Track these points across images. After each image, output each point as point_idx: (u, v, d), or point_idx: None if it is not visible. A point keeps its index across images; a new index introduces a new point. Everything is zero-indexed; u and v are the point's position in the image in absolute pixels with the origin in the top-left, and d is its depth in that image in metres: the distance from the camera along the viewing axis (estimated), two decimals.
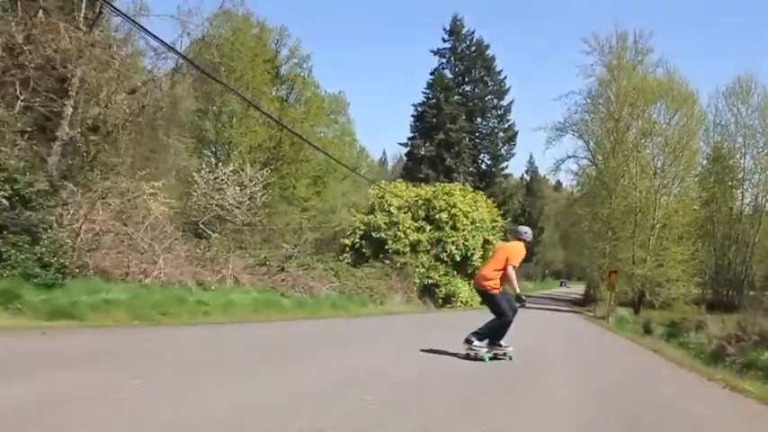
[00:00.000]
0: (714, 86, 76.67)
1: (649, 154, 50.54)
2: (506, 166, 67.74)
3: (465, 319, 21.44)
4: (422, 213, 38.89)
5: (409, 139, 60.95)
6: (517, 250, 11.82)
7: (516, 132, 67.91)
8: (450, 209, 38.56)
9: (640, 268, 48.90)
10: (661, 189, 49.60)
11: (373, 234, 37.72)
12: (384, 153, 78.34)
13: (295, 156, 63.25)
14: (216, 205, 46.30)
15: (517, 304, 12.02)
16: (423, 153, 59.40)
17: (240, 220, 47.10)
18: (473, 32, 66.51)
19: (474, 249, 39.01)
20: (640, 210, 49.99)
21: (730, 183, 63.69)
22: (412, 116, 61.58)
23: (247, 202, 48.02)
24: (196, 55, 61.30)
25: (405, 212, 38.72)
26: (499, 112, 68.05)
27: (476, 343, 11.66)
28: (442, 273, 37.51)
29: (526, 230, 12.44)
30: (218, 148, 53.48)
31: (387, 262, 36.42)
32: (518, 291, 11.92)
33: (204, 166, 47.50)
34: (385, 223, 37.85)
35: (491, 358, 11.77)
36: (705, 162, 60.33)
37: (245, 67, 60.27)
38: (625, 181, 51.47)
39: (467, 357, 11.73)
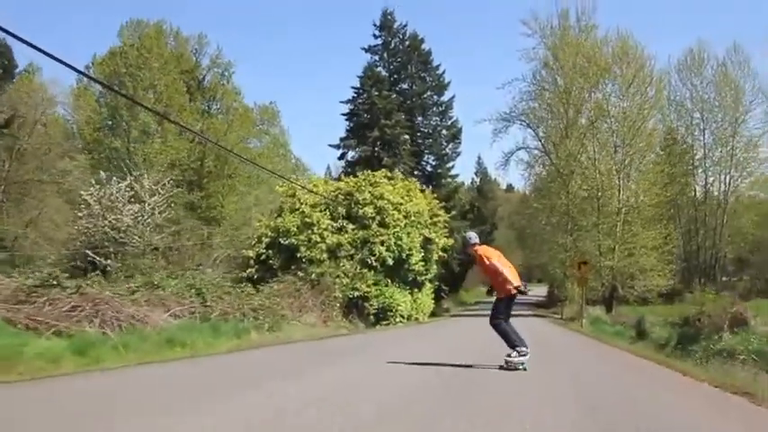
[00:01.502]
0: (665, 61, 66.67)
1: (607, 130, 40.96)
2: (453, 166, 58.04)
3: (396, 339, 17.86)
4: (342, 211, 28.91)
5: (341, 140, 50.92)
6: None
7: (460, 129, 58.42)
8: (375, 201, 28.64)
9: (609, 259, 39.47)
10: (624, 168, 40.03)
11: (282, 241, 27.70)
12: (328, 168, 68.73)
13: (220, 171, 53.27)
14: (108, 227, 36.50)
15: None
16: (357, 154, 49.41)
17: (138, 241, 37.15)
18: (405, 26, 57.14)
19: (411, 250, 29.12)
20: (602, 193, 40.49)
21: (691, 162, 54.59)
22: (342, 115, 51.71)
23: (147, 219, 38.09)
24: (97, 67, 51.90)
25: (321, 211, 28.75)
26: (440, 108, 58.44)
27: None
28: (370, 282, 27.41)
29: (471, 235, 11.40)
30: (131, 167, 43.07)
31: (300, 274, 26.43)
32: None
33: (93, 182, 37.86)
34: (296, 227, 27.89)
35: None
36: (663, 140, 50.79)
37: (154, 76, 50.29)
38: (583, 163, 41.90)
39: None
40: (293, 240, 27.52)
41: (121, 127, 48.76)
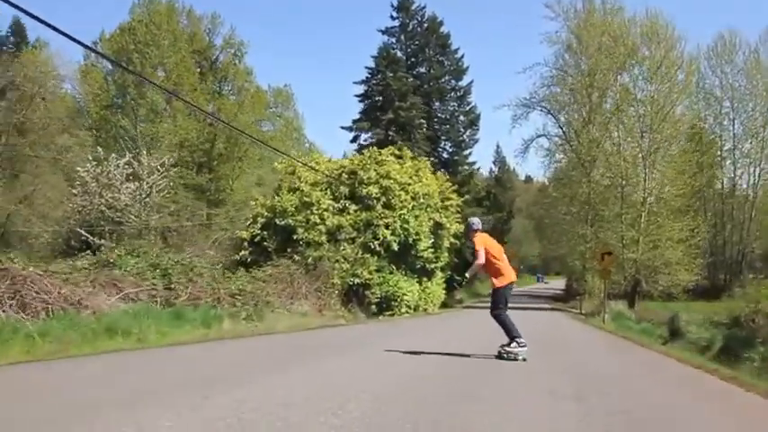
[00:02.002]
0: (694, 48, 62.66)
1: (633, 114, 37.66)
2: (470, 153, 54.83)
3: (394, 332, 15.64)
4: (344, 190, 25.95)
5: (354, 122, 47.85)
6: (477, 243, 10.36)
7: (478, 115, 55.20)
8: (381, 180, 25.65)
9: (632, 252, 36.19)
10: (650, 155, 36.67)
11: (278, 221, 24.82)
12: (344, 154, 65.70)
13: (230, 154, 50.57)
14: (105, 206, 33.97)
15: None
16: (370, 138, 46.35)
17: (135, 221, 34.61)
18: (424, 7, 53.83)
19: (419, 235, 26.12)
20: (627, 182, 37.24)
21: (719, 153, 51.06)
22: (355, 96, 48.65)
23: (145, 198, 35.50)
24: (105, 44, 49.28)
25: (322, 190, 25.82)
26: (458, 94, 55.19)
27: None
28: (373, 268, 24.44)
29: (474, 221, 10.94)
30: (139, 147, 40.44)
31: (296, 257, 23.58)
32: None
33: (90, 158, 35.33)
34: (294, 206, 24.97)
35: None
36: (690, 129, 47.19)
37: (163, 53, 47.61)
38: (607, 149, 38.63)
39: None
40: (290, 221, 24.61)
41: (130, 105, 46.24)
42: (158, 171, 34.48)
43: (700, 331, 18.24)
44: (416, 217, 26.16)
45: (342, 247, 24.39)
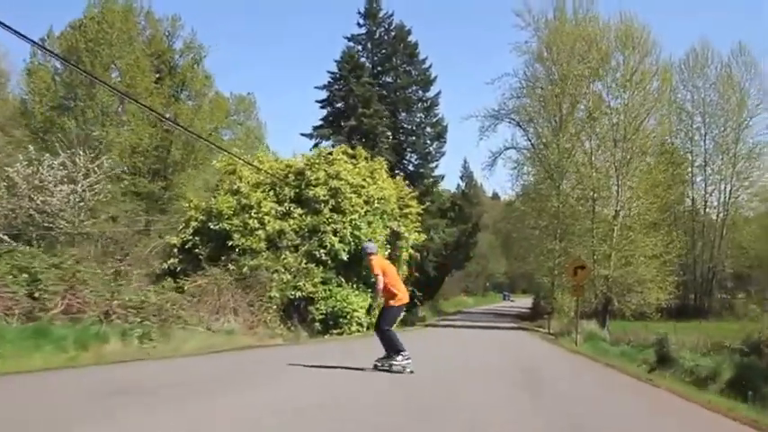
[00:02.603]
0: (666, 58, 59.95)
1: (607, 123, 34.59)
2: (437, 166, 51.36)
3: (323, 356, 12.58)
4: (289, 192, 22.39)
5: (314, 128, 44.34)
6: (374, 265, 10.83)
7: (445, 127, 51.78)
8: (330, 181, 22.13)
9: (604, 268, 32.96)
10: (623, 165, 33.64)
11: (212, 226, 21.20)
12: (294, 154, 61.31)
13: (186, 161, 46.82)
14: (35, 210, 30.07)
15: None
16: (331, 145, 42.81)
17: (65, 226, 30.69)
18: (392, 15, 50.62)
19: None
20: (598, 194, 34.18)
21: (690, 169, 48.35)
22: (317, 102, 45.21)
23: (79, 203, 31.64)
24: (54, 41, 45.42)
25: (264, 192, 22.26)
26: (425, 104, 51.87)
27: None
28: (318, 280, 20.88)
29: (368, 245, 11.61)
30: (86, 151, 36.46)
31: (230, 266, 19.98)
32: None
33: (21, 159, 31.50)
34: (231, 209, 21.37)
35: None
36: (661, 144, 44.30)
37: (114, 53, 43.89)
38: (578, 160, 35.56)
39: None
40: (225, 225, 21.06)
41: (78, 107, 42.39)
42: (95, 173, 30.71)
43: (695, 357, 14.90)
44: (369, 223, 22.70)
45: (283, 256, 20.83)
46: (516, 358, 16.21)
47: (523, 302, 71.84)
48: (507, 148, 45.65)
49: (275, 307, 19.83)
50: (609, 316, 34.12)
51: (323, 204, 21.66)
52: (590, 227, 34.55)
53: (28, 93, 45.23)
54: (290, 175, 23.04)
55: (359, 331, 23.09)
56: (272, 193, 22.32)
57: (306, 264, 20.87)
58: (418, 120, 52.03)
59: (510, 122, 46.07)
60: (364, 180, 23.27)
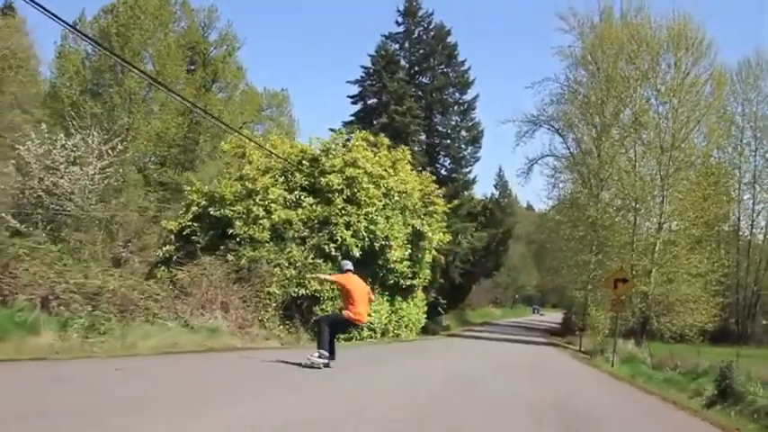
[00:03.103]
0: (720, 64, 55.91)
1: (654, 128, 31.35)
2: (470, 171, 48.34)
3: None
4: (300, 179, 19.71)
5: (344, 124, 41.63)
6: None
7: (481, 131, 48.71)
8: (346, 169, 19.39)
9: (644, 284, 29.73)
10: (669, 175, 30.44)
11: (212, 211, 18.64)
12: (310, 140, 57.75)
13: (213, 153, 44.59)
14: (43, 191, 27.94)
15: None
16: None
17: (73, 210, 28.48)
18: (432, 14, 47.78)
19: (389, 240, 19.81)
20: (642, 204, 31.01)
21: (737, 186, 44.72)
22: (349, 97, 42.63)
23: (89, 185, 29.40)
24: (86, 26, 43.59)
25: (274, 177, 19.63)
26: (462, 107, 48.81)
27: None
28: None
29: (349, 263, 12.01)
30: (111, 136, 34.40)
31: (230, 257, 17.41)
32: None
33: (34, 137, 29.48)
34: (236, 194, 18.79)
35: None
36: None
37: (146, 39, 41.96)
38: (621, 167, 32.41)
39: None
40: (227, 211, 18.44)
41: (106, 92, 40.55)
42: (108, 155, 28.45)
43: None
44: (388, 218, 19.93)
45: (288, 249, 18.13)
46: (547, 382, 13.34)
47: (553, 317, 68.27)
48: (545, 156, 43.08)
49: (275, 305, 17.16)
50: (646, 336, 30.86)
51: (336, 194, 18.94)
52: (630, 240, 31.45)
53: (57, 76, 43.55)
54: (304, 162, 20.36)
55: (372, 338, 20.37)
56: (282, 179, 19.67)
57: (313, 258, 18.15)
58: (453, 123, 49.02)
59: (549, 129, 43.46)
60: (385, 170, 20.50)
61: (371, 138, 21.85)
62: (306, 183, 19.64)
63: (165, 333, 11.82)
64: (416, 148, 41.72)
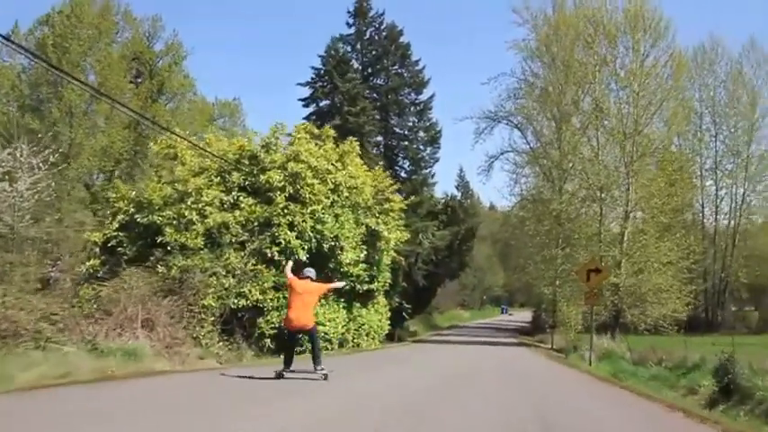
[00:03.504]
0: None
1: (616, 114, 29.64)
2: (430, 172, 46.40)
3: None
4: (238, 179, 17.39)
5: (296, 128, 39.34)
6: (321, 288, 12.31)
7: (439, 131, 46.84)
8: (288, 164, 17.14)
9: (614, 275, 27.88)
10: (634, 161, 28.74)
11: (139, 219, 16.26)
12: (248, 137, 54.07)
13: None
14: None
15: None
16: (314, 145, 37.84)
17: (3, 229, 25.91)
18: (383, 14, 45.83)
19: (338, 240, 17.56)
20: (607, 193, 29.26)
21: (699, 173, 43.40)
22: (299, 100, 40.36)
23: (18, 202, 26.87)
24: (19, 37, 40.76)
25: (209, 178, 17.30)
26: (418, 108, 46.83)
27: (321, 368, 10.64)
28: (269, 285, 15.90)
29: (310, 270, 11.74)
30: (54, 154, 31.59)
31: (160, 269, 15.05)
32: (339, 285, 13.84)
33: None
34: (165, 198, 16.45)
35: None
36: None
37: (86, 48, 39.28)
38: (584, 156, 30.69)
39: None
40: (155, 218, 16.08)
41: (46, 107, 37.78)
42: (40, 168, 25.83)
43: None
44: (337, 217, 17.71)
45: (225, 255, 15.82)
46: (522, 388, 11.26)
47: (522, 316, 66.42)
48: (504, 152, 41.16)
49: (212, 319, 14.83)
50: (620, 330, 29.05)
51: (278, 192, 16.68)
52: (597, 231, 29.66)
53: None
54: (242, 161, 18.08)
55: (327, 348, 18.11)
56: (218, 180, 17.37)
57: (254, 265, 15.89)
58: (411, 123, 47.07)
59: (507, 124, 41.63)
60: (331, 165, 18.30)
61: (315, 130, 19.69)
62: (245, 182, 17.37)
63: (58, 360, 9.48)
64: (374, 150, 39.78)
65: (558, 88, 33.10)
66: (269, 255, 16.08)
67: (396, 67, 46.31)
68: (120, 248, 16.37)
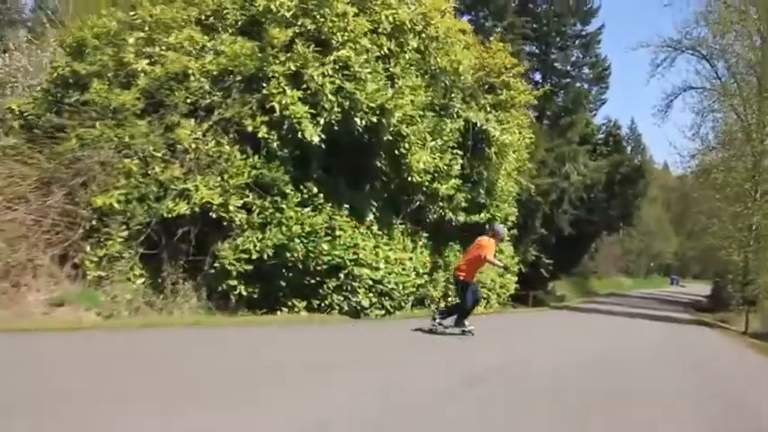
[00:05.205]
0: None
1: None
2: (595, 116, 36.51)
3: None
4: (234, 13, 9.37)
5: None
6: (490, 246, 9.03)
7: (608, 68, 36.72)
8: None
9: None
10: None
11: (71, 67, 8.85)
12: None
13: None
14: None
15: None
16: None
17: None
18: None
19: (385, 114, 9.03)
20: None
21: None
22: None
23: None
24: None
25: (184, 8, 9.46)
26: (583, 40, 36.72)
27: (439, 320, 8.83)
28: (242, 181, 7.84)
29: (500, 227, 9.64)
30: None
31: (56, 147, 7.50)
32: (502, 264, 10.71)
33: None
34: (102, 35, 8.92)
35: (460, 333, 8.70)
36: None
37: None
38: None
39: (431, 332, 8.55)
40: (80, 67, 8.60)
41: None
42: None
43: None
44: (390, 79, 9.28)
45: (171, 126, 8.05)
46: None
47: (696, 289, 53.69)
48: (686, 88, 30.40)
49: (122, 237, 7.21)
50: None
51: (279, 26, 8.58)
52: None
53: None
54: None
55: (377, 311, 9.97)
56: (201, 17, 9.55)
57: (217, 145, 8.02)
58: (574, 59, 37.12)
59: (693, 54, 30.64)
60: None
61: None
62: (241, 17, 9.37)
63: None
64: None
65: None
66: (250, 129, 8.11)
67: None
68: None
